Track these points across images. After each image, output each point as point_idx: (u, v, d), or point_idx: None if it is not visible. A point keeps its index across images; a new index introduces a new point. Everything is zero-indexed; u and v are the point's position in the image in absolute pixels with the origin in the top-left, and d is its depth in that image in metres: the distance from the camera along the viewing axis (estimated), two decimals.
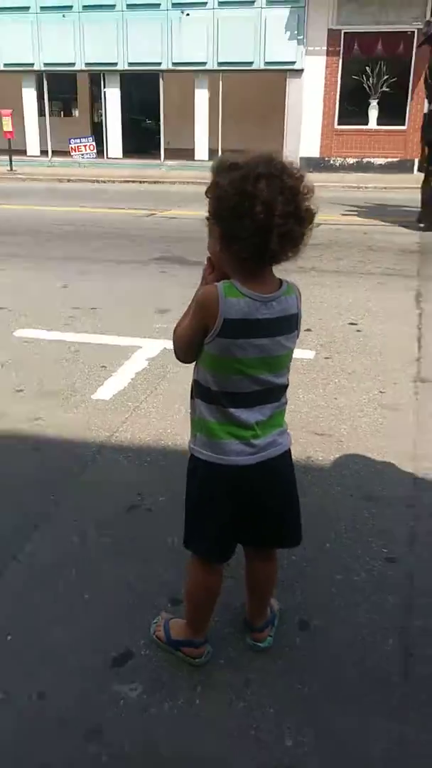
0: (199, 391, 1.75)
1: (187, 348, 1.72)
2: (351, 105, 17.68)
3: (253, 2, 17.04)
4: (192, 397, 1.80)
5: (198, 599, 1.94)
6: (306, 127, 17.71)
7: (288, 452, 1.81)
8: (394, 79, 17.13)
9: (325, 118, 17.73)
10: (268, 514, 1.82)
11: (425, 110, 9.35)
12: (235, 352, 1.63)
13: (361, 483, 2.82)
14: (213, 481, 1.76)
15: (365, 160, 17.70)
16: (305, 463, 2.95)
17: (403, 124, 17.43)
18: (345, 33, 17.07)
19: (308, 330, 4.65)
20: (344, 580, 2.27)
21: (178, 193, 13.80)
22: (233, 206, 1.52)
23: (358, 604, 2.18)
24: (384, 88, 17.31)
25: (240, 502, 1.77)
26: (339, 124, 17.75)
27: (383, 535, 2.50)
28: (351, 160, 17.78)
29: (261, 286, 1.62)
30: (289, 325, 1.66)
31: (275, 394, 1.73)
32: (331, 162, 17.86)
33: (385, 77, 17.19)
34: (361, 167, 17.62)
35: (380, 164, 17.56)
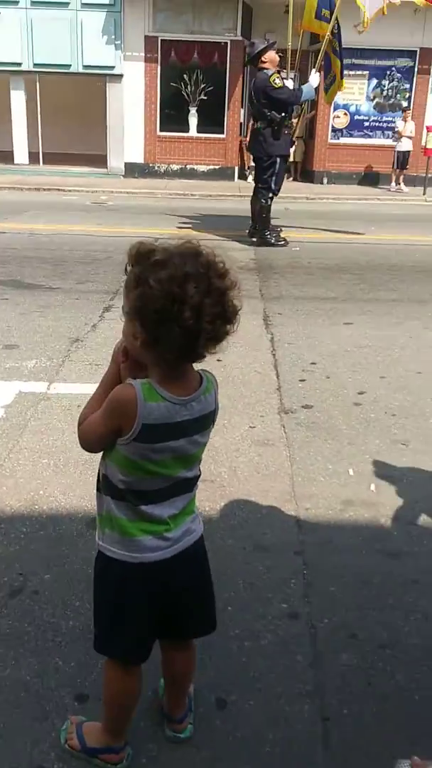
0: (107, 486, 1.66)
1: (96, 444, 1.64)
2: (172, 112, 17.83)
3: (68, 4, 16.62)
4: (98, 490, 1.70)
5: (119, 704, 1.83)
6: (129, 132, 17.61)
7: (201, 537, 1.77)
8: (211, 88, 17.51)
9: (147, 124, 17.74)
10: (186, 605, 1.77)
11: (251, 126, 9.60)
12: (151, 455, 1.57)
13: (251, 532, 2.83)
14: (128, 580, 1.68)
15: (188, 166, 17.95)
16: None
17: (222, 133, 17.88)
18: (162, 40, 17.17)
19: None
20: (253, 646, 2.25)
21: None
22: (159, 310, 1.43)
23: (270, 669, 2.17)
24: (202, 96, 17.65)
25: (157, 598, 1.71)
26: (161, 130, 17.83)
27: (280, 589, 2.52)
28: (175, 167, 17.95)
29: (182, 387, 1.56)
30: (206, 422, 1.62)
31: (188, 486, 1.69)
32: (156, 168, 17.92)
33: (203, 86, 17.53)
34: (185, 174, 17.86)
35: (203, 171, 17.90)
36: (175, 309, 1.42)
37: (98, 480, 1.70)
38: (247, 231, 9.39)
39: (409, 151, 17.48)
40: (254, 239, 9.05)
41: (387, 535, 2.87)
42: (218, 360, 4.69)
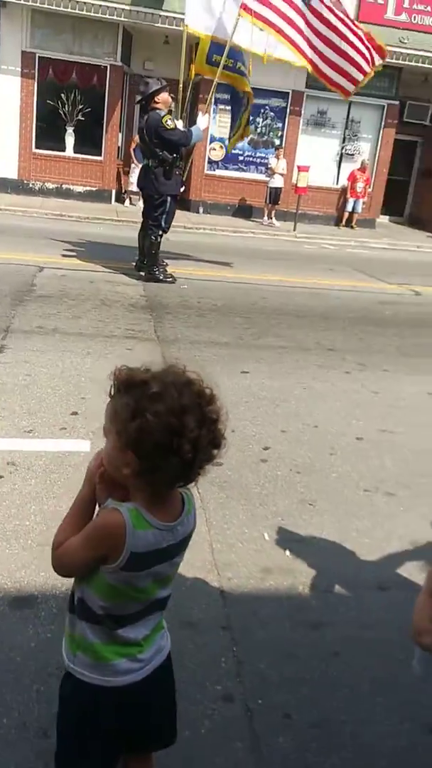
0: (83, 610, 1.63)
1: (77, 571, 1.62)
2: (49, 130, 17.48)
3: None
4: (71, 611, 1.67)
5: None
6: (3, 146, 17.07)
7: (169, 653, 1.75)
8: (89, 109, 17.37)
9: (22, 140, 17.27)
10: (154, 722, 1.77)
11: (141, 163, 9.63)
12: (136, 582, 1.57)
13: (178, 607, 2.82)
14: (99, 704, 1.65)
15: (64, 186, 17.64)
16: None
17: (100, 155, 17.77)
18: (39, 57, 16.85)
19: (74, 413, 4.52)
20: (192, 736, 2.26)
21: None
22: (159, 443, 1.44)
23: (212, 761, 2.20)
24: (80, 117, 17.47)
25: (127, 719, 1.69)
26: (37, 147, 17.43)
27: (213, 669, 2.55)
28: (50, 185, 17.58)
29: (167, 511, 1.57)
30: (186, 543, 1.64)
31: (161, 604, 1.68)
32: (30, 185, 17.45)
33: (80, 106, 17.36)
34: (61, 193, 17.54)
35: (79, 192, 17.67)
36: (175, 442, 1.44)
37: (71, 602, 1.66)
38: (134, 264, 9.40)
39: (280, 188, 18.26)
40: (142, 273, 9.08)
41: (306, 604, 2.99)
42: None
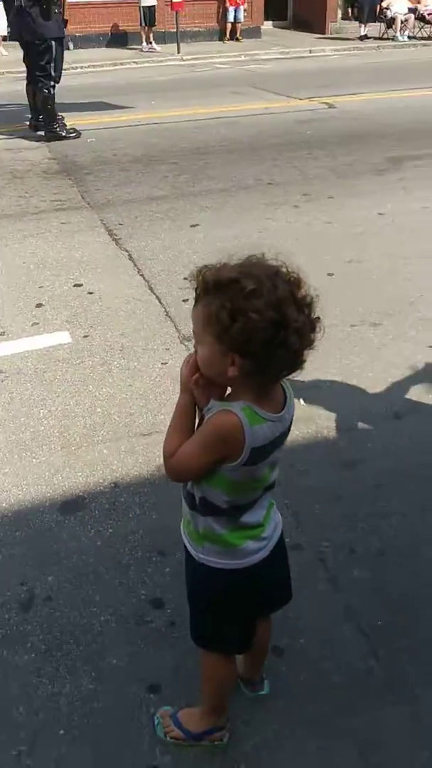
0: (205, 507, 1.67)
1: (196, 475, 1.63)
2: None
3: None
4: (193, 509, 1.71)
5: (224, 689, 1.94)
6: None
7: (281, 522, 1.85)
8: None
9: None
10: (280, 586, 1.91)
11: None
12: (256, 473, 1.61)
13: None
14: (237, 586, 1.75)
15: None
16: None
17: None
18: None
19: (39, 305, 4.31)
20: None
21: None
22: (267, 340, 1.41)
23: (301, 604, 2.37)
24: None
25: (263, 593, 1.82)
26: None
27: None
28: None
29: (274, 403, 1.57)
30: (290, 429, 1.66)
31: (273, 484, 1.73)
32: None
33: None
34: None
35: None
36: (281, 335, 1.41)
37: (191, 500, 1.70)
38: (28, 124, 8.62)
39: (154, 6, 16.73)
40: (41, 133, 8.35)
41: (335, 446, 3.12)
42: (89, 293, 4.50)
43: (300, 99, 10.56)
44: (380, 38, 18.01)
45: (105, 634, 2.27)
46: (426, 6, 17.84)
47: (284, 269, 1.46)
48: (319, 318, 1.49)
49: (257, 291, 1.40)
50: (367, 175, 6.61)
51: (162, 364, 3.72)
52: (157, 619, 2.29)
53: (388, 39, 17.82)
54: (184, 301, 4.38)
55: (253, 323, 1.39)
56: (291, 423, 1.64)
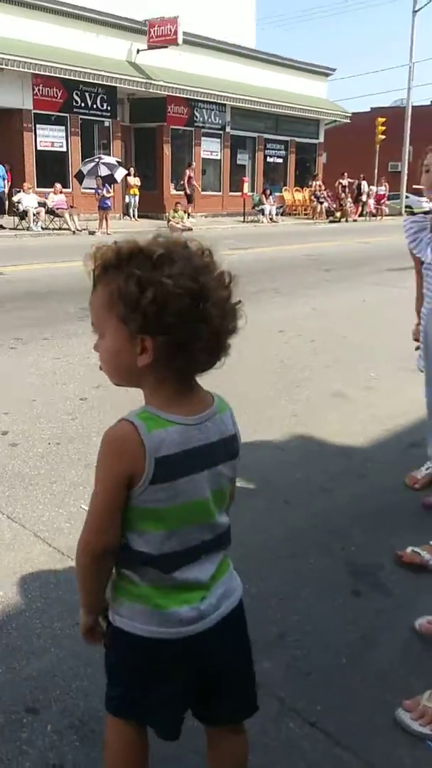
0: (127, 555, 1.33)
1: (103, 524, 1.29)
2: None
3: None
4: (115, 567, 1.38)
5: None
6: None
7: (241, 597, 1.47)
8: None
9: None
10: (234, 688, 1.48)
11: None
12: (173, 498, 1.28)
13: None
14: (158, 665, 1.36)
15: None
16: None
17: None
18: None
19: None
20: None
21: None
22: (183, 311, 1.20)
23: None
24: None
25: (199, 685, 1.43)
26: None
27: None
28: None
29: (192, 407, 1.30)
30: (228, 449, 1.36)
31: (223, 538, 1.40)
32: None
33: None
34: None
35: None
36: (200, 307, 1.21)
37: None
38: None
39: None
40: None
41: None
42: None
43: None
44: (15, 228, 19.10)
45: None
46: (53, 201, 19.63)
47: (195, 243, 1.29)
48: (240, 301, 1.30)
49: (167, 257, 1.22)
50: (72, 320, 6.75)
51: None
52: None
53: (22, 229, 18.98)
54: None
55: (166, 290, 1.19)
56: (226, 445, 1.34)
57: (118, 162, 20.40)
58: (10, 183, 19.43)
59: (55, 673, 2.08)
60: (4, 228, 18.95)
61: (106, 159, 20.29)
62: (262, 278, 10.34)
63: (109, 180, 19.64)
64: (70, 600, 2.34)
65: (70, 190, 21.57)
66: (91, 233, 19.03)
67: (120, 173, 20.17)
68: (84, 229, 19.39)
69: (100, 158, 20.28)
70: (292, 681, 2.13)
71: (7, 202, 19.32)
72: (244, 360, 5.55)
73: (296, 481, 3.50)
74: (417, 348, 3.34)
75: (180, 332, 1.21)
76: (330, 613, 2.47)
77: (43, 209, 19.42)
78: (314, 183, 27.87)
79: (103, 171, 19.42)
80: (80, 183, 20.46)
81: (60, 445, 3.71)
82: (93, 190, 19.89)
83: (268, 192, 25.87)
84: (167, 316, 1.19)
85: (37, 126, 21.43)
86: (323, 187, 27.69)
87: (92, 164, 19.94)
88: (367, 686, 2.14)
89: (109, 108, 23.25)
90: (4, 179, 19.08)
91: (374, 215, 29.34)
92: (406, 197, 30.95)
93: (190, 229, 21.05)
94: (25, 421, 4.09)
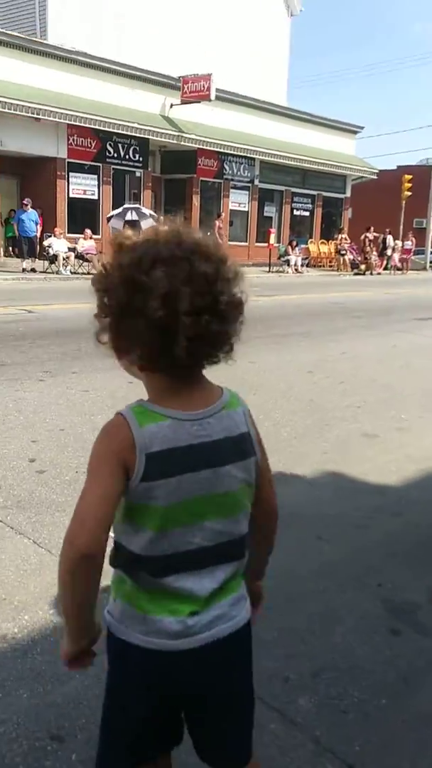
0: (120, 554, 1.25)
1: (95, 517, 1.16)
2: None
3: None
4: (111, 564, 1.27)
5: None
6: None
7: (246, 627, 1.32)
8: None
9: None
10: (224, 729, 1.33)
11: None
12: (166, 497, 1.19)
13: None
14: (137, 669, 1.26)
15: None
16: None
17: None
18: None
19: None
20: None
21: None
22: (120, 302, 1.17)
23: None
24: None
25: (165, 701, 1.29)
26: None
27: None
28: None
29: (187, 401, 1.22)
30: (239, 449, 1.26)
31: (232, 550, 1.28)
32: None
33: None
34: None
35: None
36: (139, 299, 1.14)
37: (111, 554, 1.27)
38: None
39: None
40: None
41: None
42: None
43: None
44: (44, 272, 19.47)
45: None
46: (83, 246, 20.04)
47: (200, 240, 1.21)
48: (232, 305, 1.19)
49: (132, 247, 1.18)
50: (103, 356, 6.72)
51: None
52: None
53: (51, 273, 19.34)
54: None
55: (109, 280, 1.18)
56: (233, 443, 1.24)
57: (151, 215, 20.52)
58: (42, 228, 19.86)
59: (81, 700, 1.98)
60: (35, 271, 19.33)
61: (142, 208, 20.48)
62: (289, 323, 10.36)
63: (132, 225, 19.85)
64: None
65: (99, 236, 22.01)
66: None
67: (147, 223, 20.35)
68: None
69: (138, 207, 20.41)
70: (328, 720, 2.01)
71: (38, 246, 19.72)
72: (272, 398, 5.51)
73: (329, 518, 3.39)
74: None
75: (118, 323, 1.17)
76: (367, 651, 2.35)
77: (72, 254, 19.80)
78: (339, 236, 28.15)
79: (129, 216, 19.71)
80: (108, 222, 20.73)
81: None
82: None
83: (294, 243, 26.18)
84: (108, 305, 1.18)
85: (71, 174, 22.02)
86: (348, 240, 27.95)
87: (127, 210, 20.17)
88: (408, 728, 2.01)
89: (141, 159, 23.87)
90: (36, 224, 19.50)
91: (399, 269, 29.52)
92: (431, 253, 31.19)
93: None
94: (53, 449, 4.05)
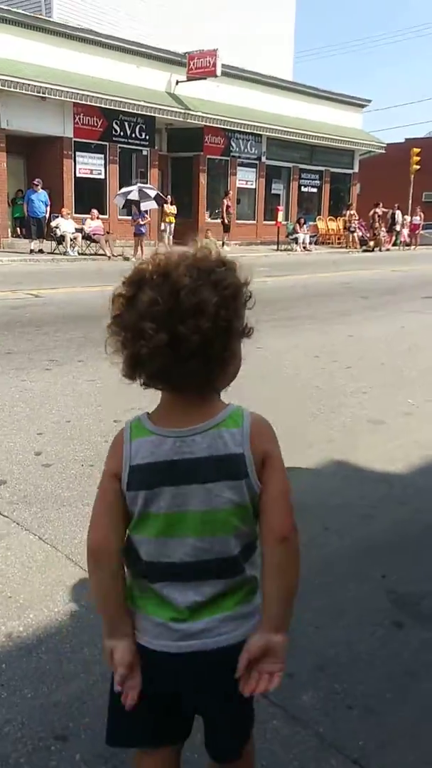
0: (129, 558, 1.33)
1: (100, 522, 1.30)
2: None
3: None
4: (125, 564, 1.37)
5: None
6: None
7: (237, 648, 1.30)
8: None
9: None
10: (215, 729, 1.41)
11: None
12: (149, 506, 1.27)
13: None
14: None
15: None
16: None
17: None
18: None
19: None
20: None
21: None
22: (117, 314, 1.25)
23: None
24: None
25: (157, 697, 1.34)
26: None
27: None
28: None
29: (180, 418, 1.26)
30: (226, 468, 1.26)
31: (218, 568, 1.29)
32: None
33: None
34: None
35: None
36: (127, 313, 1.22)
37: None
38: None
39: None
40: None
41: None
42: None
43: (2, 291, 10.63)
44: (52, 253, 19.42)
45: None
46: (90, 227, 19.95)
47: (226, 269, 1.23)
48: (201, 306, 1.18)
49: (150, 259, 1.24)
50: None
51: None
52: None
53: (59, 254, 19.28)
54: None
55: (113, 293, 1.25)
56: (217, 460, 1.25)
57: (156, 196, 20.17)
58: (49, 208, 19.76)
59: (85, 699, 2.01)
60: (42, 252, 19.29)
61: (146, 188, 20.25)
62: (297, 305, 10.31)
63: (135, 205, 19.54)
64: (100, 625, 2.27)
65: (106, 216, 21.90)
66: (126, 259, 19.26)
67: (148, 204, 19.94)
68: (119, 255, 19.63)
69: (143, 187, 20.20)
70: (332, 715, 2.02)
71: (45, 227, 19.64)
72: (279, 385, 5.50)
73: (334, 508, 3.40)
74: None
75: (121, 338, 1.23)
76: (371, 644, 2.36)
77: (79, 235, 19.73)
78: (348, 212, 27.87)
79: (133, 195, 19.52)
80: (119, 205, 20.57)
81: (93, 467, 3.65)
82: (129, 217, 20.13)
83: (302, 221, 25.97)
84: (112, 321, 1.24)
85: (77, 153, 21.87)
86: (357, 217, 27.66)
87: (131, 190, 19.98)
88: (414, 722, 2.02)
89: (147, 137, 23.66)
90: (46, 204, 19.38)
91: (408, 245, 29.25)
92: None
93: None
94: (59, 442, 4.06)
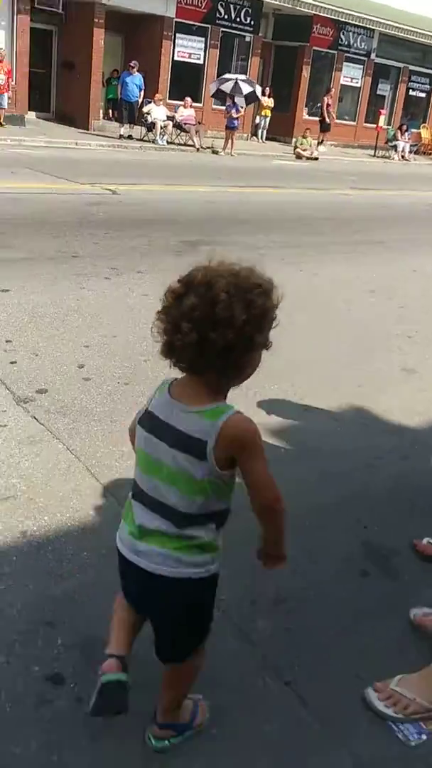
0: None
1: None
2: None
3: None
4: None
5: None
6: None
7: (176, 583, 1.67)
8: None
9: None
10: (156, 624, 1.84)
11: None
12: (140, 441, 1.69)
13: (102, 539, 2.72)
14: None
15: None
16: None
17: None
18: None
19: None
20: None
21: None
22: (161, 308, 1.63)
23: None
24: None
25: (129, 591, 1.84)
26: None
27: None
28: None
29: (186, 394, 1.62)
30: (190, 446, 1.58)
31: (166, 512, 1.64)
32: None
33: None
34: None
35: None
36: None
37: None
38: None
39: None
40: None
41: None
42: None
43: (82, 183, 10.80)
44: (141, 140, 19.27)
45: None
46: (182, 115, 19.58)
47: (261, 291, 1.54)
48: (227, 311, 1.49)
49: (202, 267, 1.55)
50: (169, 254, 6.91)
51: (1, 427, 3.43)
52: (59, 698, 2.03)
53: (148, 141, 19.12)
54: (11, 363, 4.13)
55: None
56: (185, 435, 1.58)
57: (249, 94, 19.28)
58: (143, 93, 19.42)
59: (76, 597, 2.41)
60: (131, 138, 19.14)
61: (243, 83, 19.43)
62: (369, 226, 10.09)
63: (230, 96, 18.93)
64: (101, 533, 2.66)
65: (200, 105, 21.34)
66: (215, 152, 18.90)
67: (239, 101, 19.24)
68: (208, 148, 19.27)
69: (239, 81, 19.45)
70: (279, 642, 2.35)
71: (137, 113, 19.37)
72: (325, 319, 5.61)
73: (340, 453, 3.61)
74: None
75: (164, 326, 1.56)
76: (334, 588, 2.65)
77: (170, 123, 19.38)
78: None
79: (226, 87, 18.86)
80: (211, 91, 19.95)
81: (128, 385, 3.97)
82: (223, 107, 19.57)
83: (404, 127, 24.59)
84: (162, 310, 1.58)
85: (177, 35, 21.18)
86: None
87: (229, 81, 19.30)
88: (346, 660, 2.33)
89: (252, 22, 22.55)
90: (141, 89, 18.99)
91: None
92: None
93: (316, 159, 20.50)
94: (102, 356, 4.37)
